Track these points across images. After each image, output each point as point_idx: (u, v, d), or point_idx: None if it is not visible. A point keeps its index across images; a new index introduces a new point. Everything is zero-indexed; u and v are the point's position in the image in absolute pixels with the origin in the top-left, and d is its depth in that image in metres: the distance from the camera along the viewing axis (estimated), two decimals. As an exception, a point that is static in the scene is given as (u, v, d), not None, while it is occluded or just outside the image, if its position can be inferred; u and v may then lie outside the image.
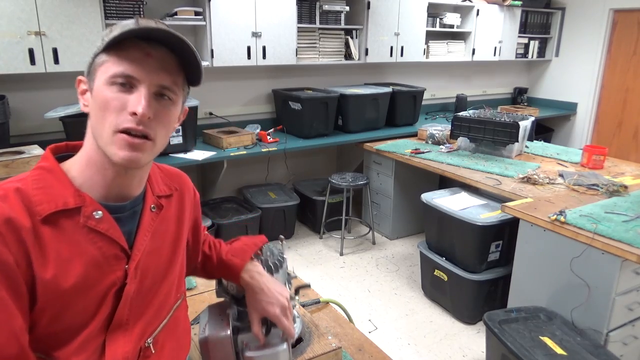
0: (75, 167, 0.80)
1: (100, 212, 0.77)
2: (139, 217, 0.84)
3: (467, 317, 2.79)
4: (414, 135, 4.09)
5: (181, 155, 3.21)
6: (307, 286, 1.32)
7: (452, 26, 4.73)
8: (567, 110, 5.51)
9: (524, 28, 5.30)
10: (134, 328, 0.83)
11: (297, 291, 1.16)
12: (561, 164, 3.21)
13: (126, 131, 0.74)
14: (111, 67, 0.75)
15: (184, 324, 1.00)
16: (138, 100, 0.74)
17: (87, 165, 0.79)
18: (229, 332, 0.98)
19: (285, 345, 0.99)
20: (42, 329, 0.73)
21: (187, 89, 0.85)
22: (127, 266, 0.80)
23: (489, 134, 3.31)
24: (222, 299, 1.11)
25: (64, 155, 0.84)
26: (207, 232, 1.16)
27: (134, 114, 0.73)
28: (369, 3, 4.00)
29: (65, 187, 0.76)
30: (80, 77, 0.82)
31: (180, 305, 0.97)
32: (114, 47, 0.75)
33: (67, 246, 0.74)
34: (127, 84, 0.74)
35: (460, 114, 3.51)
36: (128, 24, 0.74)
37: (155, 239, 0.86)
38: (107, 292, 0.78)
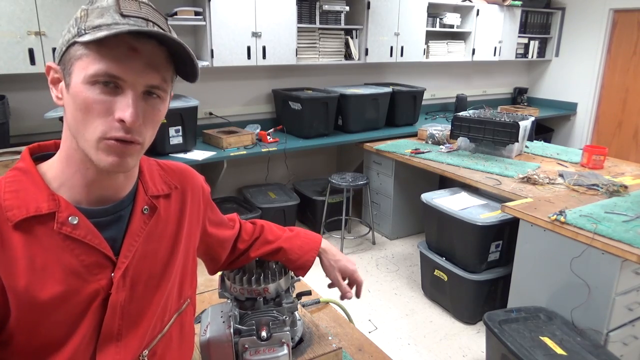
0: (54, 167, 0.74)
1: (76, 218, 0.70)
2: (128, 221, 0.77)
3: (467, 317, 2.79)
4: (414, 135, 4.09)
5: (181, 155, 3.20)
6: (308, 293, 1.33)
7: (452, 26, 4.73)
8: (567, 110, 5.51)
9: (524, 28, 5.30)
10: (127, 340, 0.76)
11: (298, 296, 1.16)
12: (561, 164, 3.21)
13: (114, 139, 0.68)
14: (91, 64, 0.65)
15: (188, 331, 0.93)
16: (126, 106, 0.66)
17: (67, 164, 0.72)
18: (230, 335, 0.98)
19: (285, 349, 0.99)
20: (22, 343, 0.69)
21: (174, 78, 0.76)
22: (112, 274, 0.74)
23: (489, 134, 3.31)
24: (224, 301, 1.12)
25: (47, 154, 0.77)
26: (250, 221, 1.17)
27: (122, 121, 0.67)
28: (369, 3, 4.00)
29: (39, 191, 0.70)
30: (50, 64, 0.72)
31: (185, 310, 0.90)
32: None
33: (42, 255, 0.68)
34: (111, 84, 0.66)
35: (460, 114, 3.51)
36: (109, 8, 0.66)
37: (149, 242, 0.79)
38: (89, 303, 0.72)
